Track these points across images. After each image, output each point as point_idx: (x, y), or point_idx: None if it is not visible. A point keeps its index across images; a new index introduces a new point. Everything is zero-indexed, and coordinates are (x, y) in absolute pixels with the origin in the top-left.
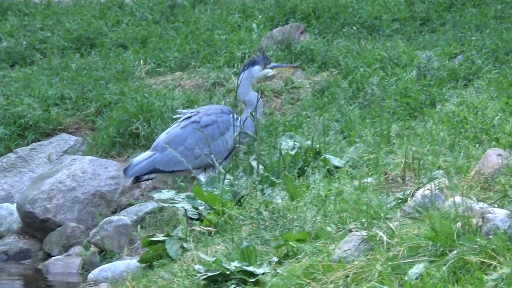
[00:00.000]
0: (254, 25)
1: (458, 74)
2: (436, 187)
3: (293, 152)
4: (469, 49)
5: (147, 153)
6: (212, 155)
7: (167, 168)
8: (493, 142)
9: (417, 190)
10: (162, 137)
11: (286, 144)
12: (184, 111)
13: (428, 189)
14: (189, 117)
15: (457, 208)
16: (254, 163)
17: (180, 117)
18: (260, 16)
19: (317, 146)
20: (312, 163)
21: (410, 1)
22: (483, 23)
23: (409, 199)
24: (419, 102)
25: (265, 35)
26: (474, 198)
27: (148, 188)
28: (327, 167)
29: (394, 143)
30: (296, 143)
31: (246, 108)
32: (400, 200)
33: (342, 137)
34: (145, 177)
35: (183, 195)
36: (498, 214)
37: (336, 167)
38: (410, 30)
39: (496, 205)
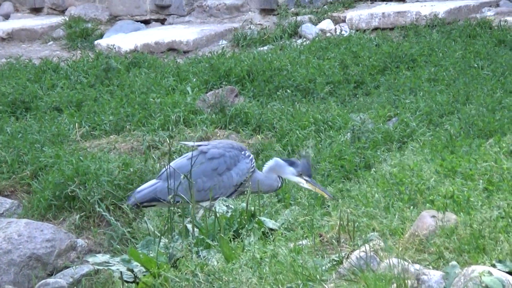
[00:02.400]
0: (188, 88)
1: (392, 137)
2: (371, 249)
3: (228, 215)
4: (403, 111)
5: (152, 181)
6: (213, 190)
7: (168, 199)
8: (427, 204)
9: (352, 252)
10: (168, 166)
11: (220, 207)
12: (191, 143)
13: (363, 251)
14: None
15: (392, 270)
16: (189, 226)
17: (194, 147)
18: (194, 79)
19: (252, 208)
20: (247, 225)
21: (344, 64)
22: (417, 85)
23: (344, 261)
24: (354, 165)
25: (199, 98)
26: (409, 260)
27: (84, 251)
28: (262, 229)
29: (328, 206)
30: (230, 206)
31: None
32: (335, 262)
33: (276, 199)
34: (147, 204)
35: (118, 258)
36: (433, 276)
37: (271, 230)
38: (344, 93)
39: (431, 267)
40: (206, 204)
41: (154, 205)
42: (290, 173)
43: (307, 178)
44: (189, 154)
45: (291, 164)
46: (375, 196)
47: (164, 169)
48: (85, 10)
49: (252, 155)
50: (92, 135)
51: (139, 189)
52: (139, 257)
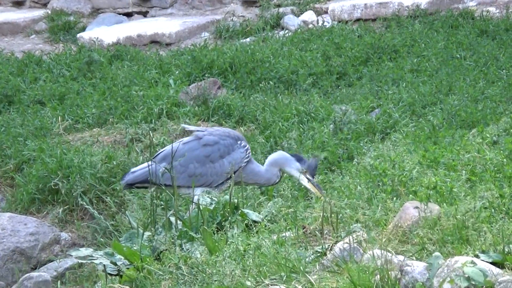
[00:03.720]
0: (171, 81)
1: (375, 128)
2: (355, 241)
3: (211, 207)
4: (386, 102)
5: (147, 163)
6: (205, 176)
7: (160, 181)
8: (410, 195)
9: (335, 243)
10: (164, 149)
11: (204, 199)
12: (192, 127)
13: (346, 243)
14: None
15: (375, 261)
16: (172, 219)
17: (192, 131)
18: (177, 72)
19: (235, 200)
20: (230, 218)
21: (326, 56)
22: (399, 76)
23: (327, 252)
24: (337, 156)
25: (181, 91)
26: (392, 251)
27: (67, 244)
28: (246, 221)
29: (312, 197)
30: (214, 199)
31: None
32: (318, 254)
33: (260, 191)
34: (139, 185)
35: (101, 251)
36: (416, 267)
37: (255, 222)
38: (327, 84)
39: (414, 258)
40: (196, 190)
41: (146, 187)
42: (294, 168)
43: (309, 177)
44: (185, 139)
45: (299, 159)
46: (358, 188)
47: (159, 151)
48: (67, 3)
49: (248, 145)
50: (75, 128)
51: (133, 169)
52: (122, 250)
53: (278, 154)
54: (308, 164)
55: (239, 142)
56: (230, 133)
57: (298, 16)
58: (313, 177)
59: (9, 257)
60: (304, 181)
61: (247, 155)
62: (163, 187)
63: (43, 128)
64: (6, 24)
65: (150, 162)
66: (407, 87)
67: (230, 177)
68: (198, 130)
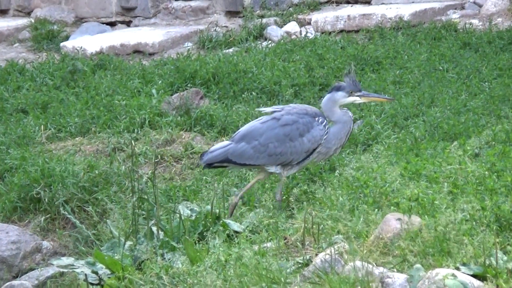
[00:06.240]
0: (153, 91)
1: (357, 139)
2: (336, 252)
3: (192, 217)
4: (368, 114)
5: (225, 142)
6: (285, 155)
7: (240, 161)
8: (392, 207)
9: (316, 254)
10: (243, 128)
11: (185, 211)
12: (269, 108)
13: (327, 254)
14: (272, 113)
15: (356, 273)
16: (154, 228)
17: (267, 112)
18: (160, 82)
19: (217, 211)
20: (212, 228)
21: (309, 67)
22: (382, 88)
23: (309, 263)
24: (319, 167)
25: (164, 101)
26: (373, 263)
27: (49, 253)
28: (227, 232)
29: (293, 208)
30: (195, 210)
31: (336, 124)
32: (300, 265)
33: (241, 202)
34: (218, 165)
35: (83, 261)
36: (397, 279)
37: (236, 232)
38: (310, 95)
39: (395, 270)
40: (275, 168)
41: (225, 166)
42: (341, 97)
43: (358, 93)
44: (263, 118)
45: (338, 89)
46: (340, 199)
47: (238, 131)
48: (51, 12)
49: (326, 121)
50: (57, 137)
51: (211, 149)
52: (104, 260)
53: (323, 103)
54: (347, 84)
55: (317, 118)
56: (308, 110)
57: (281, 27)
58: (361, 90)
59: None
60: (358, 100)
61: (326, 131)
62: (243, 167)
63: (26, 136)
64: None
65: (229, 141)
66: None
67: (310, 154)
68: (275, 111)
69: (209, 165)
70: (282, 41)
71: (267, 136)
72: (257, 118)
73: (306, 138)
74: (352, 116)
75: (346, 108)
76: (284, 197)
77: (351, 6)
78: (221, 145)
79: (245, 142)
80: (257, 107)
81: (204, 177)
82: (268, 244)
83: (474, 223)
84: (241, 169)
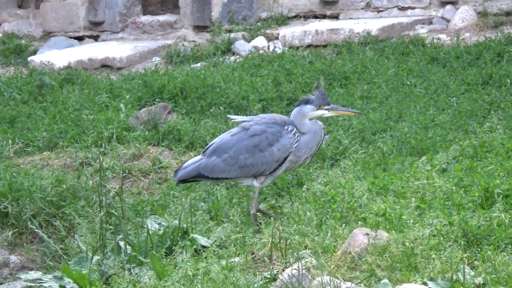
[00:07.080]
0: (121, 105)
1: (325, 154)
2: (303, 267)
3: (160, 232)
4: (336, 128)
5: (197, 157)
6: (256, 166)
7: (212, 175)
8: (360, 222)
9: (284, 269)
10: (213, 142)
11: (152, 225)
12: (239, 117)
13: (295, 269)
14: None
15: None
16: (121, 243)
17: (237, 122)
18: (128, 96)
19: (185, 225)
20: (179, 242)
21: (277, 81)
22: (350, 103)
23: (276, 278)
24: (286, 182)
25: (132, 115)
26: (341, 278)
27: (16, 267)
28: (195, 246)
29: (261, 223)
30: (162, 224)
31: (306, 134)
32: (267, 280)
33: (209, 217)
34: (191, 180)
35: (50, 275)
36: None
37: (204, 247)
38: (277, 110)
39: (363, 285)
40: (248, 181)
41: (198, 181)
42: (310, 111)
43: (327, 107)
44: (233, 130)
45: (306, 102)
46: (307, 214)
47: (208, 145)
48: (19, 26)
49: (295, 129)
50: (25, 152)
51: (185, 165)
52: (71, 274)
53: (292, 115)
54: (316, 98)
55: (286, 127)
56: (277, 119)
57: (249, 41)
58: (329, 104)
59: None
60: (326, 113)
61: (296, 139)
62: (216, 181)
63: None
64: None
65: (200, 156)
66: None
67: (282, 163)
68: (244, 121)
69: (183, 181)
70: (250, 55)
71: (236, 148)
72: (225, 132)
73: (276, 147)
74: (322, 125)
75: (314, 120)
76: (253, 211)
77: (319, 21)
78: (193, 161)
79: (216, 155)
80: (225, 122)
81: (171, 192)
82: (236, 259)
83: (441, 238)
84: (216, 183)
